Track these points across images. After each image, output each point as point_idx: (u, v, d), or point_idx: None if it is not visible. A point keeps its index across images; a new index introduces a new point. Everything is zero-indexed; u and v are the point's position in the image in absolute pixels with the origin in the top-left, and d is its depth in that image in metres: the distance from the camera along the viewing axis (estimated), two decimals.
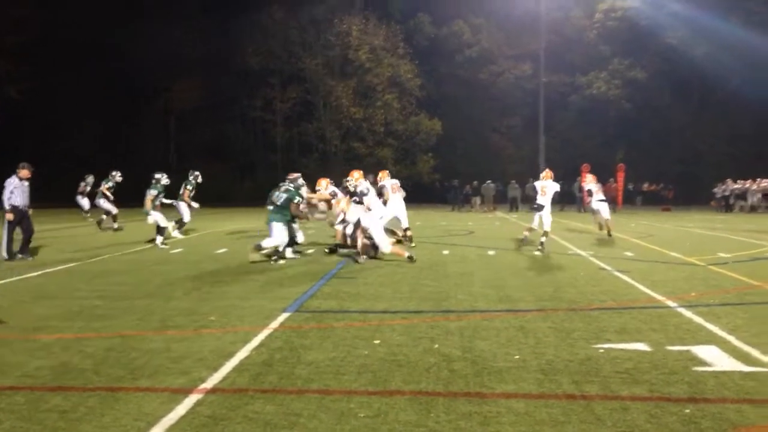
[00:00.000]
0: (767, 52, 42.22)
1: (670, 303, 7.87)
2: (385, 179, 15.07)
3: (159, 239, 14.94)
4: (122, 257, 12.94)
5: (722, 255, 13.12)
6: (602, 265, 11.61)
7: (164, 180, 15.74)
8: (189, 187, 17.82)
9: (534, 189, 14.62)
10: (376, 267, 11.33)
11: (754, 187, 36.23)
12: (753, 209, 36.02)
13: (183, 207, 17.53)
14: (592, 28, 50.06)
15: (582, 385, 4.79)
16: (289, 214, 11.93)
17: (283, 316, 7.24)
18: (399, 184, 15.46)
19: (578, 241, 16.41)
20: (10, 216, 12.33)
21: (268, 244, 11.83)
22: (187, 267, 11.42)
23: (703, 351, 5.66)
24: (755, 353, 5.59)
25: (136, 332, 6.50)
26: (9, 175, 12.63)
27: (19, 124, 42.94)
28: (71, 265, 11.68)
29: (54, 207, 27.37)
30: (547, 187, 13.97)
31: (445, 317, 7.20)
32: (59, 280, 10.06)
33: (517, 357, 5.51)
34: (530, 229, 14.33)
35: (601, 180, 34.86)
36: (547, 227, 13.88)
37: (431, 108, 50.00)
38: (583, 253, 13.53)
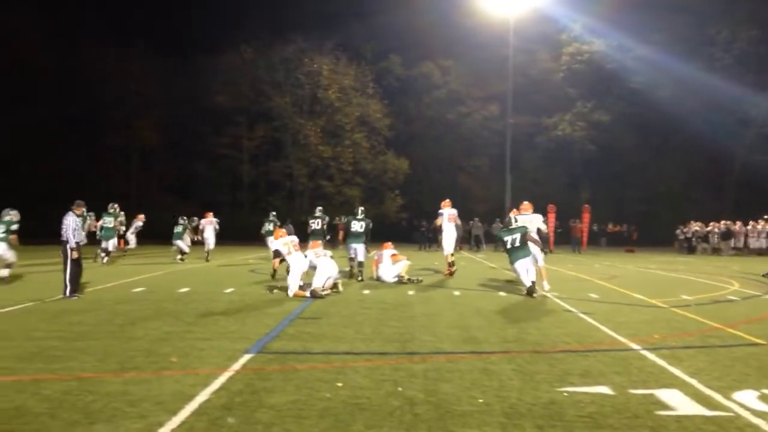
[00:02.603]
0: (726, 97, 43.40)
1: (634, 345, 7.90)
2: (445, 208, 17.67)
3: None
4: (82, 296, 12.67)
5: (685, 297, 13.26)
6: (567, 306, 11.64)
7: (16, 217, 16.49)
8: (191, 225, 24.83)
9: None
10: (341, 307, 11.24)
11: (716, 229, 36.89)
12: (715, 251, 36.63)
13: (184, 241, 23.96)
14: (559, 71, 51.09)
15: (545, 429, 4.77)
16: None
17: (245, 357, 7.12)
18: (456, 214, 17.79)
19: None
20: (75, 254, 12.44)
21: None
22: (148, 306, 11.21)
23: (665, 394, 5.67)
24: (717, 397, 5.61)
25: (94, 374, 6.34)
26: None
27: None
28: (29, 304, 11.39)
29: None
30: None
31: (410, 359, 7.13)
32: (17, 320, 9.77)
33: (481, 400, 5.46)
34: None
35: (563, 219, 34.95)
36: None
37: (399, 147, 50.42)
38: (548, 294, 13.58)
